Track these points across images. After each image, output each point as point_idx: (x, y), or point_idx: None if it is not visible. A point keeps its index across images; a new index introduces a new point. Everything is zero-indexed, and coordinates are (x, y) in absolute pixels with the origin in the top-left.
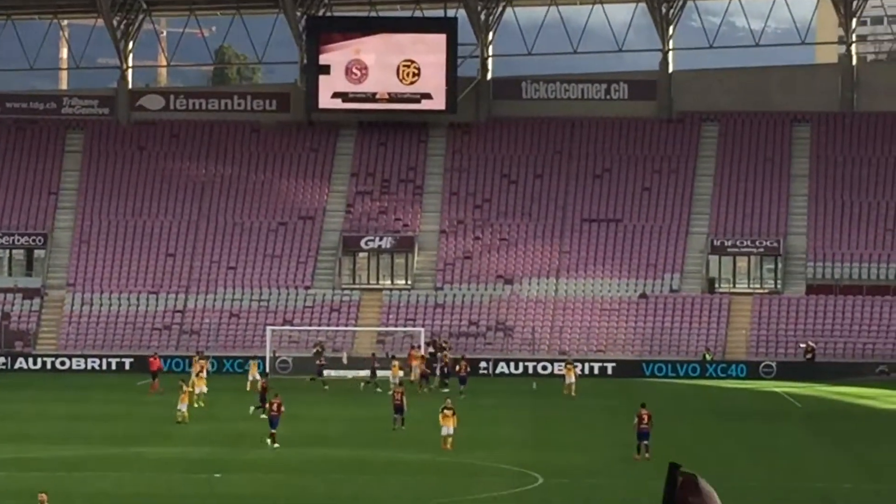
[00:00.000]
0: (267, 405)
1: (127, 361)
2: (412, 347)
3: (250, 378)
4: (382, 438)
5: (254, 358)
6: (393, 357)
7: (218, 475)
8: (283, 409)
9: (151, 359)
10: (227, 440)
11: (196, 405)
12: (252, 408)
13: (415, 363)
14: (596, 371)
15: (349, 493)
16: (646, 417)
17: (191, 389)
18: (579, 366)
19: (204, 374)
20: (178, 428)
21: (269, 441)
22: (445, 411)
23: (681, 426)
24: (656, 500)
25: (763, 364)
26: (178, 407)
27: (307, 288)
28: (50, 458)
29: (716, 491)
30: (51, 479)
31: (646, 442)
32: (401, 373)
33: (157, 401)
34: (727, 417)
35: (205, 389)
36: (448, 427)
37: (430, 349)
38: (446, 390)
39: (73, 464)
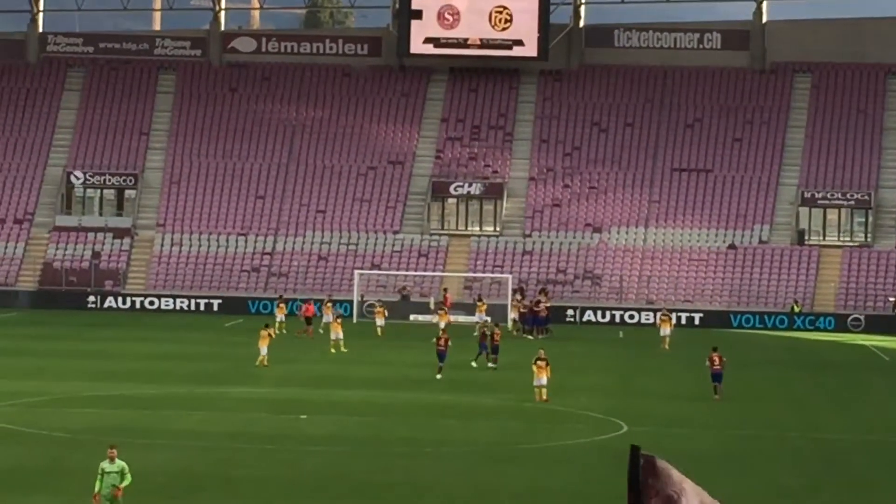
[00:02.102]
0: (435, 340)
1: (215, 302)
2: (445, 291)
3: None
4: (467, 383)
5: (331, 301)
6: (437, 303)
7: (304, 416)
8: (450, 343)
9: (306, 305)
10: (313, 382)
11: (333, 350)
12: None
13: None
14: (683, 321)
15: (433, 437)
16: (717, 360)
17: (272, 335)
18: (674, 317)
19: (339, 320)
20: (264, 369)
21: (438, 375)
22: (539, 362)
23: (767, 377)
24: (735, 450)
25: (851, 317)
26: (261, 350)
27: (395, 233)
28: (137, 397)
29: (685, 474)
30: (137, 416)
31: (717, 384)
32: (449, 317)
33: (243, 342)
34: (813, 369)
35: (341, 335)
36: (541, 378)
37: (518, 296)
38: (542, 336)
39: (159, 402)
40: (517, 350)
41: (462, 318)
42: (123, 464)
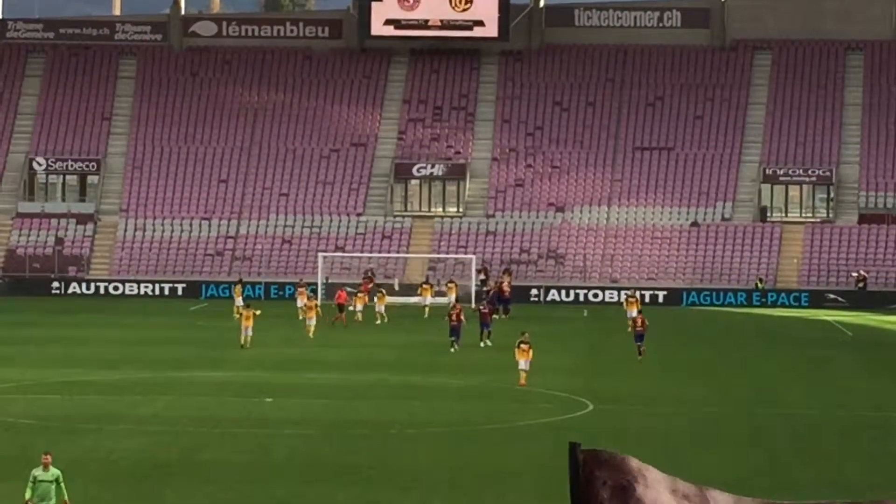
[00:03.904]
0: (447, 316)
1: (179, 287)
2: (365, 274)
3: (299, 305)
4: (433, 364)
5: (303, 284)
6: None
7: (269, 399)
8: (462, 318)
9: (339, 291)
10: (278, 365)
11: (311, 335)
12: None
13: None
14: (647, 299)
15: (399, 419)
16: (639, 321)
17: (257, 312)
18: (640, 294)
19: (313, 304)
20: (229, 353)
21: (453, 348)
22: (522, 346)
23: (731, 353)
24: (701, 427)
25: (815, 292)
26: (245, 330)
27: (359, 215)
28: (102, 382)
29: (653, 466)
30: (104, 402)
31: (639, 343)
32: (386, 299)
33: (207, 326)
34: (777, 344)
35: (314, 323)
36: (524, 361)
37: (482, 276)
38: (505, 316)
39: (125, 387)
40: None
41: (413, 300)
42: (58, 472)
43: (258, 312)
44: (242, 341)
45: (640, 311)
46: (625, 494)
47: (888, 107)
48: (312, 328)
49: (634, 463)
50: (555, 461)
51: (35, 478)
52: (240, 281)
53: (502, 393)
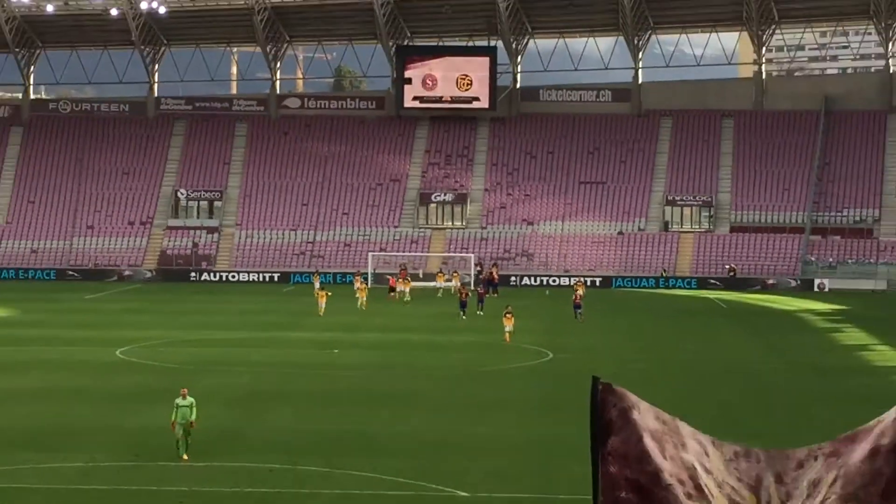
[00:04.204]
0: (458, 294)
1: (276, 275)
2: (402, 268)
3: (357, 286)
4: (446, 327)
5: (359, 273)
6: (439, 271)
7: (336, 351)
8: (469, 294)
9: (391, 279)
10: (342, 328)
11: (362, 308)
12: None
13: (441, 279)
14: (589, 283)
15: (423, 363)
16: (577, 297)
17: (329, 293)
18: (584, 280)
19: (364, 287)
20: (310, 319)
21: (462, 316)
22: (507, 315)
23: (645, 319)
24: (626, 370)
25: (701, 279)
26: (321, 304)
27: (395, 227)
28: (225, 339)
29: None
30: (225, 352)
31: (578, 311)
32: (411, 283)
33: (295, 302)
34: (676, 313)
35: (364, 299)
36: (508, 325)
37: (478, 268)
38: (494, 296)
39: (239, 342)
40: (477, 305)
41: (431, 284)
42: (192, 399)
43: (329, 293)
44: (319, 312)
45: (576, 291)
46: (626, 415)
47: (750, 155)
48: (364, 303)
49: (632, 396)
50: (528, 391)
51: (177, 404)
52: (316, 272)
53: (493, 347)
